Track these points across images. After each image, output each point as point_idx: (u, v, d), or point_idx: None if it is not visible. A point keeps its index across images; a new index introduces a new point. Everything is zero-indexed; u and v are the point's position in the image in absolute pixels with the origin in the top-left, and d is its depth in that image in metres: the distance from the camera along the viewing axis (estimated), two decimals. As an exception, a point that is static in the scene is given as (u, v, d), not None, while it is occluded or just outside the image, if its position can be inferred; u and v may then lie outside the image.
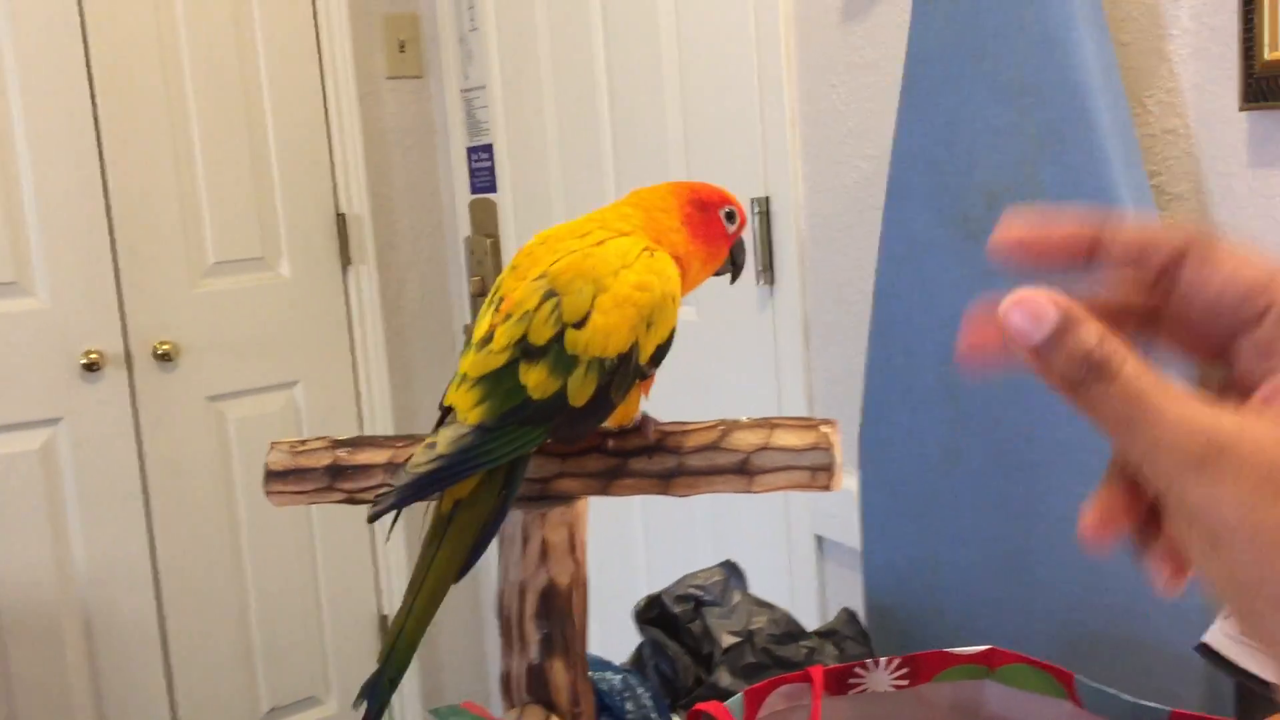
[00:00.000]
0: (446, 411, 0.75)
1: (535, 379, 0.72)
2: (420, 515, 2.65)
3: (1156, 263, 0.37)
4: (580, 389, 0.72)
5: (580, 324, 0.73)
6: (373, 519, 0.72)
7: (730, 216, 0.85)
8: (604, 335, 0.73)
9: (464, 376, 0.74)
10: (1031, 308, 0.34)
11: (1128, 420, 0.33)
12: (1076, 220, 0.38)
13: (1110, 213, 0.37)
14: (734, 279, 0.90)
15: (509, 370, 0.72)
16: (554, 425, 0.73)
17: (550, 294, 0.74)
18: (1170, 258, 0.37)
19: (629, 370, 0.75)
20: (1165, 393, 0.33)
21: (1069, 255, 0.38)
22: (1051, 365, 0.34)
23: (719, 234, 0.84)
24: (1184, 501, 0.32)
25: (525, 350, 0.72)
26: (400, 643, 0.72)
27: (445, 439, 0.71)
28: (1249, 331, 0.36)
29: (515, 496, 0.74)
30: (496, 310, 0.76)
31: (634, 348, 0.75)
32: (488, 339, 0.74)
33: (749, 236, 1.71)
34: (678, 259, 0.80)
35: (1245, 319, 0.36)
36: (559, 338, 0.73)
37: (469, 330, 0.79)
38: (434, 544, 0.73)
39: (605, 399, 0.74)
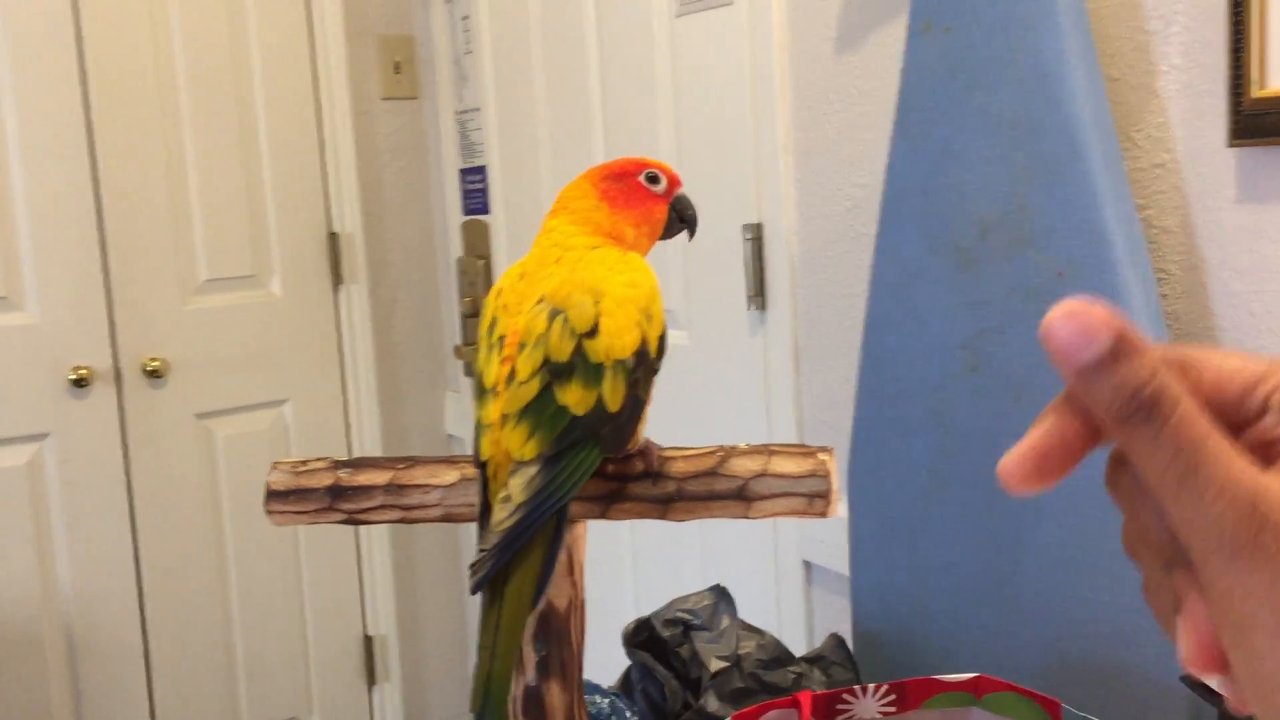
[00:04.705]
0: (483, 466, 0.75)
1: (574, 396, 0.73)
2: (407, 534, 2.63)
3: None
4: (613, 394, 0.74)
5: (592, 333, 0.75)
6: (475, 590, 0.72)
7: (652, 179, 0.86)
8: (617, 337, 0.75)
9: (503, 418, 0.74)
10: (1082, 324, 0.31)
11: (1172, 473, 0.30)
12: (1062, 423, 0.34)
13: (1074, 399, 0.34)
14: (690, 233, 0.91)
15: (546, 395, 0.73)
16: (602, 438, 0.74)
17: (555, 312, 0.75)
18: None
19: (647, 366, 0.77)
20: (1217, 448, 0.30)
21: (1076, 455, 0.34)
22: (1097, 393, 0.31)
23: (643, 196, 0.86)
24: (1214, 584, 0.30)
25: (553, 371, 0.74)
26: (493, 686, 0.72)
27: (517, 486, 0.72)
28: (1248, 429, 0.33)
29: (567, 517, 0.75)
30: (501, 350, 0.77)
31: (644, 343, 0.77)
32: (511, 375, 0.75)
33: (741, 262, 1.72)
34: (608, 233, 0.83)
35: (1245, 417, 0.33)
36: (579, 351, 0.74)
37: (475, 374, 0.79)
38: (499, 580, 0.73)
39: (636, 399, 0.76)
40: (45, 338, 2.32)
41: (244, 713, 2.62)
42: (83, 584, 2.38)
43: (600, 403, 0.74)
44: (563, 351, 0.74)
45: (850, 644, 1.35)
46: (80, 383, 2.33)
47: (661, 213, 0.87)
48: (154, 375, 2.43)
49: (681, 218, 0.89)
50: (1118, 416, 0.31)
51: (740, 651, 1.21)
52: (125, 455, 2.42)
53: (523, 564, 0.72)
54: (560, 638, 0.80)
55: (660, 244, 0.90)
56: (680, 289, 1.88)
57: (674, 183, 0.88)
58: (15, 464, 2.31)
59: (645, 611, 1.29)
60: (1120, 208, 1.12)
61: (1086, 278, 1.12)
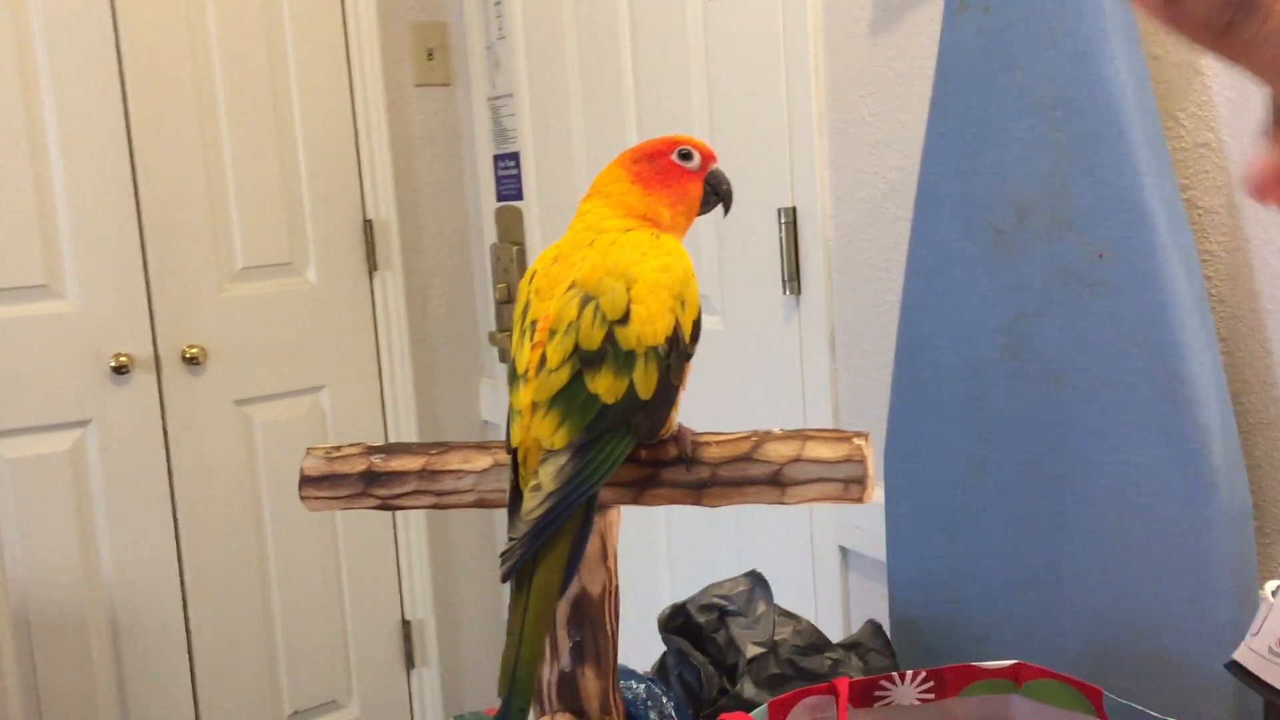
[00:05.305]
0: (514, 451, 0.75)
1: (604, 384, 0.73)
2: (444, 520, 2.64)
3: None
4: (645, 381, 0.73)
5: (624, 319, 0.74)
6: (505, 579, 0.72)
7: (685, 155, 0.85)
8: (649, 324, 0.74)
9: (533, 405, 0.74)
10: None
11: None
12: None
13: None
14: (725, 208, 0.89)
15: (576, 384, 0.73)
16: (634, 425, 0.74)
17: (587, 299, 0.75)
18: None
19: (680, 352, 0.76)
20: None
21: None
22: (1190, 12, 0.30)
23: (677, 175, 0.84)
24: None
25: (584, 359, 0.73)
26: (519, 671, 0.72)
27: (547, 475, 0.71)
28: None
29: (597, 504, 0.75)
30: (532, 336, 0.76)
31: (676, 329, 0.76)
32: (541, 362, 0.74)
33: (776, 246, 1.71)
34: (643, 216, 0.82)
35: None
36: (610, 338, 0.73)
37: (509, 361, 0.79)
38: (527, 567, 0.73)
39: (668, 385, 0.75)
40: (86, 326, 2.34)
41: (284, 696, 2.64)
42: (125, 569, 2.41)
43: (632, 390, 0.73)
44: (593, 340, 0.73)
45: (888, 630, 1.34)
46: (120, 370, 2.36)
47: (696, 189, 0.85)
48: (193, 362, 2.45)
49: (716, 192, 0.87)
50: (1217, 27, 0.30)
51: (776, 638, 1.20)
52: (165, 441, 2.45)
53: (551, 552, 0.72)
54: (595, 623, 0.80)
55: (694, 229, 0.89)
56: (714, 274, 1.87)
57: (708, 157, 0.86)
58: (58, 450, 2.34)
59: (681, 597, 1.29)
60: (1163, 188, 1.10)
61: (1128, 259, 1.10)
